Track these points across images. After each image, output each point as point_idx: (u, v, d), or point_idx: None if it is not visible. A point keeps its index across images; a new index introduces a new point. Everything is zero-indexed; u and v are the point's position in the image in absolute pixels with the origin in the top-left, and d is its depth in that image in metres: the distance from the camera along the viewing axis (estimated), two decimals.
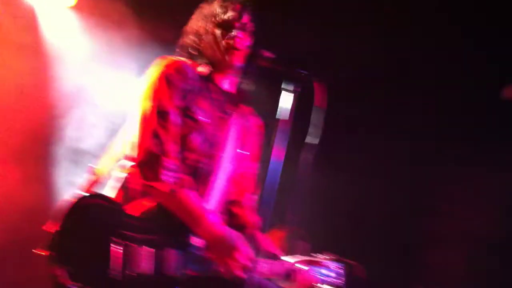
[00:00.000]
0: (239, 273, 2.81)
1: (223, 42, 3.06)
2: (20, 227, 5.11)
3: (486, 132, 6.56)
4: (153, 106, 2.90)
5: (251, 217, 3.40)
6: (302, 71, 2.85)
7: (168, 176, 2.80)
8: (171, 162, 2.83)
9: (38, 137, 5.78)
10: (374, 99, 6.65)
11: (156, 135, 2.84)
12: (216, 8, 3.13)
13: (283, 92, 2.84)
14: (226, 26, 3.08)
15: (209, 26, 3.11)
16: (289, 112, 2.79)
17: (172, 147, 2.87)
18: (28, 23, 5.92)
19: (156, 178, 2.79)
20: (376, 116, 6.83)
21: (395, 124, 6.74)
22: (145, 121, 2.90)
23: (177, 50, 3.23)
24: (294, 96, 2.81)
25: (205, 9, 3.18)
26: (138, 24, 6.02)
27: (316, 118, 2.81)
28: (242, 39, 3.07)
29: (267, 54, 3.02)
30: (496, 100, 6.30)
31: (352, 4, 5.84)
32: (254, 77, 3.28)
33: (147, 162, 2.82)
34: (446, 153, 6.97)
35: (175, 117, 2.92)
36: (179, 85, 2.96)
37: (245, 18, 3.13)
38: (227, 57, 3.07)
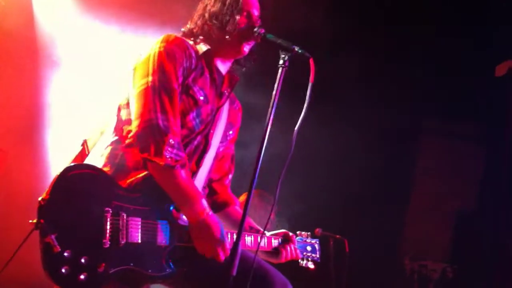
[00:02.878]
0: (210, 256, 2.86)
1: (233, 26, 3.08)
2: None
3: None
4: (156, 80, 2.87)
5: (231, 195, 3.49)
6: (296, 48, 2.87)
7: (171, 153, 2.78)
8: (175, 139, 2.81)
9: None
10: None
11: (162, 111, 2.81)
12: None
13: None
14: (237, 10, 3.10)
15: (220, 9, 3.12)
16: (276, 87, 2.80)
17: (175, 123, 2.85)
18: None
19: (159, 154, 2.75)
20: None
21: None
22: (146, 94, 2.84)
23: (182, 30, 3.26)
24: (282, 71, 2.83)
25: None
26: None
27: (310, 94, 2.83)
28: (251, 25, 3.09)
29: (262, 30, 3.05)
30: None
31: None
32: (251, 63, 3.35)
33: (150, 136, 2.77)
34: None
35: (177, 94, 2.91)
36: (181, 61, 2.95)
37: (258, 11, 3.18)
38: (233, 41, 3.11)
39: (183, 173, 2.84)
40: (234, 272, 2.56)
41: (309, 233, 3.50)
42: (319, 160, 7.23)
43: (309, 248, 3.45)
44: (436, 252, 7.81)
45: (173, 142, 2.80)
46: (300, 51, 2.86)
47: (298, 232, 3.47)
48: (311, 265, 3.43)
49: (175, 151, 2.80)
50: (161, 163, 2.76)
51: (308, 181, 7.02)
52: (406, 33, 6.84)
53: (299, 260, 3.40)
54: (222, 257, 2.86)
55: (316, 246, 3.48)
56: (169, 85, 2.88)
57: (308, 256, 3.43)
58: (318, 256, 3.47)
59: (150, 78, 2.88)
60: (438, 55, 7.07)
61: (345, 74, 6.65)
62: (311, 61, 2.84)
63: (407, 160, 8.07)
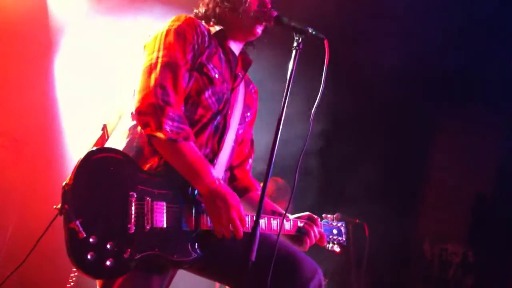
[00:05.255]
0: (229, 233, 2.77)
1: (245, 8, 3.06)
2: None
3: None
4: (161, 56, 2.84)
5: (252, 180, 3.44)
6: (310, 29, 2.82)
7: (172, 126, 2.72)
8: (175, 112, 2.75)
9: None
10: None
11: (162, 86, 2.75)
12: None
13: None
14: None
15: None
16: (291, 70, 2.75)
17: (176, 98, 2.80)
18: None
19: (160, 127, 2.69)
20: None
21: None
22: (150, 70, 2.81)
23: (194, 12, 3.23)
24: (297, 53, 2.77)
25: None
26: None
27: (325, 76, 2.78)
28: (263, 7, 3.05)
29: (274, 13, 3.00)
30: None
31: None
32: (262, 46, 3.31)
33: (150, 111, 2.71)
34: None
35: (184, 71, 2.87)
36: (190, 39, 2.91)
37: None
38: (252, 24, 3.08)
39: (187, 145, 2.76)
40: (253, 257, 2.50)
41: (335, 215, 3.44)
42: (337, 148, 7.18)
43: (335, 231, 3.39)
44: (457, 236, 7.73)
45: (173, 115, 2.73)
46: (314, 32, 2.80)
47: (324, 215, 3.42)
48: (337, 249, 3.36)
49: (175, 124, 2.73)
50: (162, 136, 2.70)
51: (327, 168, 6.98)
52: None
53: (325, 244, 3.33)
54: (239, 225, 2.76)
55: (342, 229, 3.42)
56: (174, 61, 2.84)
57: (334, 240, 3.37)
58: (344, 239, 3.40)
59: (154, 55, 2.85)
60: None
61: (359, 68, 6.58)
62: (326, 43, 2.78)
63: (426, 142, 7.97)
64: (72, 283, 5.23)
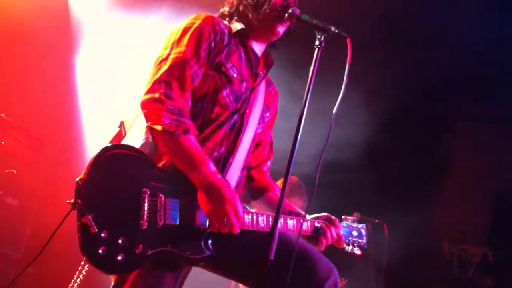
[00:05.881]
0: (224, 228, 2.73)
1: (267, 5, 3.04)
2: None
3: None
4: (173, 53, 2.85)
5: (270, 181, 3.41)
6: (333, 28, 2.78)
7: (171, 119, 2.72)
8: (175, 105, 2.75)
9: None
10: None
11: (166, 81, 2.77)
12: None
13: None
14: None
15: None
16: (312, 68, 2.71)
17: (180, 93, 2.80)
18: None
19: (158, 119, 2.71)
20: None
21: None
22: (160, 64, 2.84)
23: (220, 10, 3.24)
24: (318, 52, 2.74)
25: None
26: None
27: (347, 75, 2.74)
28: (286, 5, 3.02)
29: (296, 11, 2.97)
30: None
31: None
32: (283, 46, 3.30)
33: (151, 103, 2.74)
34: None
35: (195, 68, 2.87)
36: (206, 37, 2.91)
37: None
38: (273, 24, 3.07)
39: (186, 138, 2.76)
40: (272, 256, 2.47)
41: (355, 217, 3.38)
42: (353, 147, 7.12)
43: (355, 233, 3.33)
44: (476, 236, 7.64)
45: (172, 108, 2.74)
46: (336, 31, 2.75)
47: (343, 217, 3.37)
48: (357, 251, 3.30)
49: (175, 117, 2.74)
50: (159, 128, 2.71)
51: (343, 167, 6.93)
52: None
53: (345, 245, 3.28)
54: (234, 221, 2.71)
55: (363, 231, 3.35)
56: (184, 58, 2.84)
57: (354, 242, 3.30)
58: (364, 241, 3.33)
59: (167, 51, 2.88)
60: None
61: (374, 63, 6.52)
62: (348, 41, 2.72)
63: (444, 142, 7.89)
64: (79, 281, 5.26)
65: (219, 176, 2.78)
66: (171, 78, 2.80)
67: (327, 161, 2.74)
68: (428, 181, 7.59)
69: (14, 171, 5.72)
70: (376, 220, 6.05)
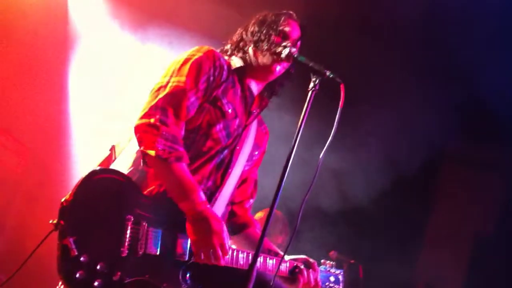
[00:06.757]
0: (209, 259, 2.72)
1: (267, 43, 3.09)
2: None
3: None
4: (171, 82, 2.88)
5: (251, 217, 3.43)
6: (328, 72, 2.78)
7: (164, 146, 2.72)
8: (169, 132, 2.76)
9: None
10: None
11: (163, 108, 2.79)
12: (275, 18, 3.17)
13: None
14: (274, 29, 3.12)
15: (259, 27, 3.15)
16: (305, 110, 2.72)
17: (175, 122, 2.81)
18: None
19: (152, 145, 2.71)
20: None
21: None
22: (157, 92, 2.86)
23: (222, 44, 3.28)
24: (312, 94, 2.74)
25: (265, 16, 3.22)
26: None
27: (338, 119, 2.75)
28: (284, 44, 3.05)
29: (294, 51, 3.01)
30: None
31: None
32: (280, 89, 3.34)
33: (145, 128, 2.74)
34: None
35: (193, 99, 2.89)
36: (206, 70, 2.94)
37: (296, 35, 3.18)
38: (270, 61, 3.10)
39: (179, 166, 2.76)
40: None
41: (333, 262, 3.39)
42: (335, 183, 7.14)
43: (332, 278, 3.35)
44: (452, 280, 7.64)
45: (166, 135, 2.75)
46: (331, 75, 2.76)
47: (322, 261, 3.39)
48: None
49: (169, 143, 2.75)
50: (152, 154, 2.71)
51: (324, 205, 6.94)
52: None
53: None
54: (219, 252, 2.71)
55: (340, 277, 3.38)
56: (182, 88, 2.86)
57: (331, 287, 3.34)
58: (341, 287, 3.36)
59: (166, 79, 2.91)
60: None
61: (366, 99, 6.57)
62: (342, 87, 2.73)
63: (426, 185, 7.92)
64: None
65: (208, 206, 2.79)
66: (168, 105, 2.81)
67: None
68: (408, 223, 7.59)
69: None
70: (352, 261, 6.05)
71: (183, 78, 2.88)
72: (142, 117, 2.79)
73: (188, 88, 2.87)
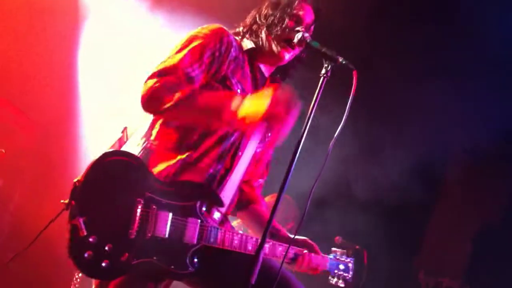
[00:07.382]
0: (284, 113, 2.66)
1: (280, 27, 3.07)
2: None
3: None
4: (175, 56, 2.86)
5: (258, 195, 3.43)
6: (341, 58, 2.75)
7: (172, 95, 2.70)
8: (171, 81, 2.75)
9: None
10: None
11: (161, 72, 2.78)
12: (289, 1, 3.14)
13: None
14: (288, 13, 3.09)
15: (272, 10, 3.13)
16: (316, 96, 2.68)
17: (175, 80, 2.79)
18: None
19: (161, 101, 2.70)
20: None
21: None
22: (160, 63, 2.85)
23: (235, 27, 3.26)
24: (324, 80, 2.70)
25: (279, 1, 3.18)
26: None
27: (350, 106, 2.73)
28: (297, 29, 3.03)
29: (307, 36, 2.98)
30: None
31: None
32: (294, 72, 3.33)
33: (151, 96, 2.73)
34: None
35: (197, 71, 2.87)
36: (211, 46, 2.92)
37: (310, 18, 3.16)
38: (280, 48, 3.09)
39: (192, 99, 2.73)
40: (253, 281, 2.48)
41: (344, 251, 3.41)
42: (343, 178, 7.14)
43: (341, 266, 3.36)
44: (454, 269, 7.66)
45: (169, 84, 2.74)
46: (344, 62, 2.73)
47: (332, 249, 3.41)
48: (341, 284, 3.34)
49: (173, 90, 2.73)
50: (169, 102, 2.70)
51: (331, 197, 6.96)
52: None
53: (329, 277, 3.34)
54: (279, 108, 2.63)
55: (350, 265, 3.39)
56: (183, 65, 2.84)
57: (340, 275, 3.35)
58: (350, 276, 3.37)
59: (169, 54, 2.90)
60: None
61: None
62: (355, 74, 2.69)
63: (432, 174, 7.90)
64: (77, 284, 5.25)
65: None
66: (167, 71, 2.80)
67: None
68: (412, 211, 7.59)
69: (3, 151, 5.67)
70: (357, 246, 6.08)
71: (186, 56, 2.86)
72: (143, 85, 2.78)
73: (188, 66, 2.85)
